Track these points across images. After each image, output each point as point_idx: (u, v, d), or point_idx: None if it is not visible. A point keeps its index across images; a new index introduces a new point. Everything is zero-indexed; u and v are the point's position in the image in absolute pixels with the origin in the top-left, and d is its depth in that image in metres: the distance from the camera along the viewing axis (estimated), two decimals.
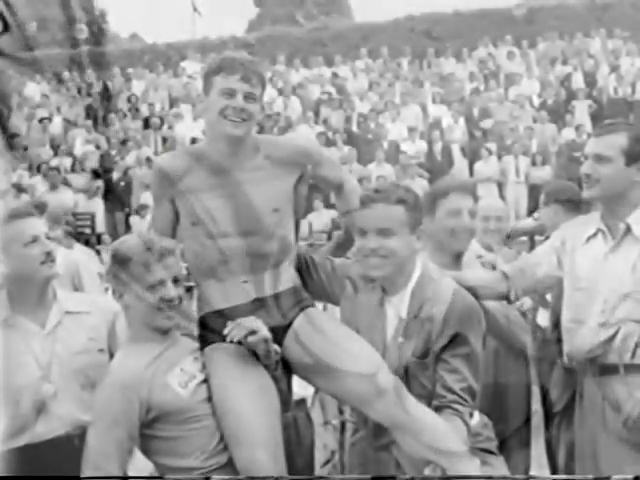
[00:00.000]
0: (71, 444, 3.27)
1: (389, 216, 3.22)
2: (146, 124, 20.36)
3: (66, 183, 17.52)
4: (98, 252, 13.26)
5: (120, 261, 3.18)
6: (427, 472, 3.01)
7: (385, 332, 3.29)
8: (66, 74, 24.71)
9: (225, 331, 3.07)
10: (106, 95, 22.94)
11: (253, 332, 3.06)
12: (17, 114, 21.31)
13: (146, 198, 15.61)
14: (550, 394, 4.20)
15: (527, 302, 4.68)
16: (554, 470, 4.65)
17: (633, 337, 3.41)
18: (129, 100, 22.03)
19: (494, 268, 3.95)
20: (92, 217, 17.04)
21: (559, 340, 3.83)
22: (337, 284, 3.48)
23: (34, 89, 23.50)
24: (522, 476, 4.04)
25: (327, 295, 3.54)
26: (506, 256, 4.50)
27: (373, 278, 3.31)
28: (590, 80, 20.41)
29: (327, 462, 4.24)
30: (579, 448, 3.64)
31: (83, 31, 30.72)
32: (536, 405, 4.75)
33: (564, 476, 3.42)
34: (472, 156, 17.83)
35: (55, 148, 19.67)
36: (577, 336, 3.57)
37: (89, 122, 20.72)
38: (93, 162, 18.46)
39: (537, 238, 7.93)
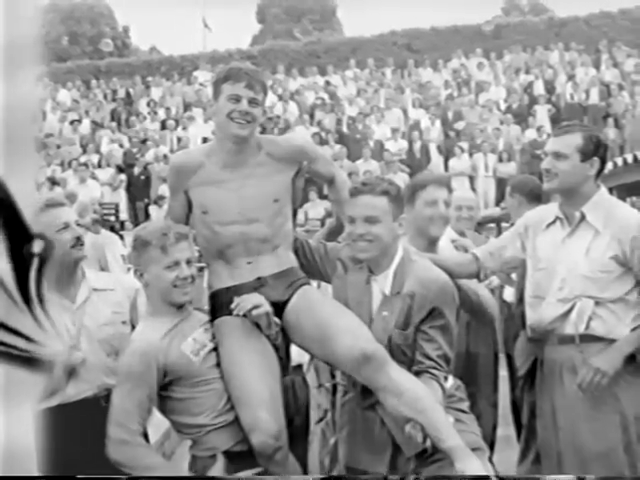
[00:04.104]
0: (98, 404, 3.26)
1: (375, 206, 3.21)
2: (163, 125, 20.31)
3: (94, 177, 17.52)
4: (121, 237, 13.23)
5: (141, 245, 3.17)
6: (407, 429, 3.01)
7: (371, 307, 3.29)
8: (94, 82, 24.65)
9: (232, 306, 3.09)
10: (128, 100, 22.90)
11: (256, 306, 3.07)
12: (51, 117, 21.29)
13: (163, 190, 15.54)
14: (515, 361, 4.19)
15: (495, 280, 4.68)
16: (518, 426, 4.66)
17: (587, 311, 3.40)
18: (148, 105, 21.97)
19: (466, 251, 3.94)
20: (116, 206, 17.01)
21: (523, 314, 3.83)
22: (329, 265, 3.47)
23: (66, 95, 23.43)
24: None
25: (321, 275, 3.53)
26: (476, 240, 4.48)
27: (361, 259, 3.31)
28: (550, 87, 20.38)
29: (320, 420, 4.24)
30: (540, 407, 3.64)
31: (109, 44, 30.71)
32: (502, 370, 4.76)
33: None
34: (447, 153, 17.81)
35: (84, 146, 19.62)
36: (538, 310, 3.56)
37: (114, 124, 20.75)
38: (117, 159, 18.44)
39: (503, 225, 7.95)
